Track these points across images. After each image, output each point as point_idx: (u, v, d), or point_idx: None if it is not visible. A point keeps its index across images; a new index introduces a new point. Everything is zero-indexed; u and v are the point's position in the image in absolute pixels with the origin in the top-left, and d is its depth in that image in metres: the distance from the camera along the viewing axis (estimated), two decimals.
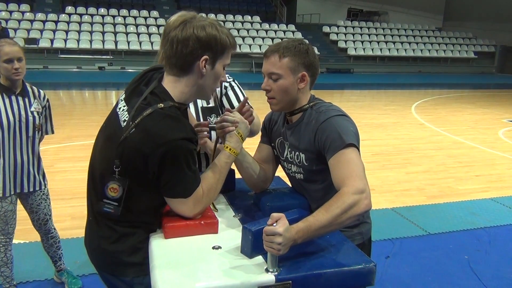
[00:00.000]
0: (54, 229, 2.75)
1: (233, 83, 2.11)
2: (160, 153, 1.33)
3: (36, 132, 2.47)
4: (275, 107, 1.68)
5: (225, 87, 2.09)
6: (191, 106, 2.04)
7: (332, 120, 1.56)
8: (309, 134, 1.61)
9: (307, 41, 1.68)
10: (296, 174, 1.72)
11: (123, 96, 1.52)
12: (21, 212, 2.93)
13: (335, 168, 1.49)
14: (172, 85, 1.43)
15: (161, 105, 1.37)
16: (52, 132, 2.66)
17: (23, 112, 2.39)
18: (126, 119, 1.40)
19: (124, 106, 1.47)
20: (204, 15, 1.51)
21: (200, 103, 2.05)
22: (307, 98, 1.68)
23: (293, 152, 1.70)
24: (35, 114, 2.44)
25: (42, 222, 2.64)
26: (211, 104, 2.05)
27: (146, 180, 1.39)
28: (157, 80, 1.46)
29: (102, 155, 1.46)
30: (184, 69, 1.41)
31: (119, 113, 1.47)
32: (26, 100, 2.43)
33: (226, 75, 2.11)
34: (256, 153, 1.87)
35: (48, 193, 2.65)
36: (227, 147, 1.56)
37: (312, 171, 1.65)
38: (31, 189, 2.52)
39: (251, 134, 1.86)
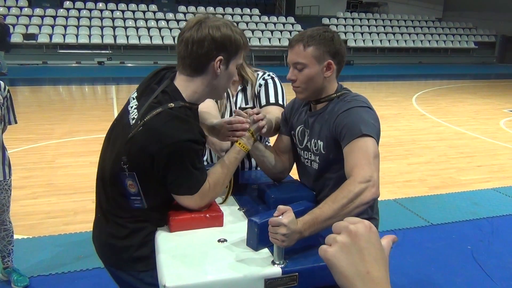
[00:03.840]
0: (10, 222, 2.65)
1: (269, 80, 2.08)
2: (166, 154, 1.34)
3: None
4: (301, 95, 1.66)
5: (260, 85, 2.08)
6: (232, 105, 2.08)
7: (353, 110, 1.54)
8: (329, 122, 1.59)
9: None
10: (312, 162, 1.70)
11: (135, 94, 1.52)
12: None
13: (347, 156, 1.47)
14: (185, 84, 1.43)
15: (172, 104, 1.37)
16: (15, 122, 2.61)
17: None
18: (135, 117, 1.40)
19: (135, 105, 1.46)
20: (218, 15, 1.51)
21: (240, 103, 2.08)
22: (334, 87, 1.66)
23: (312, 139, 1.68)
24: None
25: None
26: (249, 104, 2.07)
27: (153, 177, 1.40)
28: (169, 79, 1.46)
29: (111, 153, 1.46)
30: (199, 69, 1.41)
31: (130, 111, 1.46)
32: None
33: (266, 72, 2.14)
34: (275, 144, 1.88)
35: (11, 185, 2.58)
36: (238, 143, 1.58)
37: (328, 160, 1.63)
38: None
39: (266, 134, 1.87)
